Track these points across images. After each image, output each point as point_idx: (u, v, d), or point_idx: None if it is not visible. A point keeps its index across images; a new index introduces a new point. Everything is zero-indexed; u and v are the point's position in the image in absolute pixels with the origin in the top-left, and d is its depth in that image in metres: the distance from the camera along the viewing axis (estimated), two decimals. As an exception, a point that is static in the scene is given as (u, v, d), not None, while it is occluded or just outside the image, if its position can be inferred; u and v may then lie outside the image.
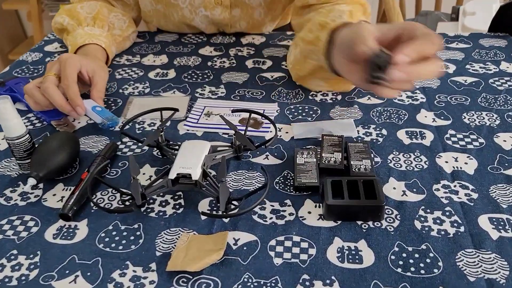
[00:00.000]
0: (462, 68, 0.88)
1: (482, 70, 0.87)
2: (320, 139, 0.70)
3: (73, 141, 0.67)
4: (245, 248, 0.54)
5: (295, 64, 0.81)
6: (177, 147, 0.68)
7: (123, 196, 0.61)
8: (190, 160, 0.61)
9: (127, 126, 0.76)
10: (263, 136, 0.72)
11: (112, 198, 0.62)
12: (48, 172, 0.63)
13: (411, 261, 0.51)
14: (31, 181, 0.62)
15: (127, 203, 0.59)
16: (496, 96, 0.79)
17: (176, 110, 0.72)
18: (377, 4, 1.82)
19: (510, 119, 0.73)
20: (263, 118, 0.73)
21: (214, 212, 0.59)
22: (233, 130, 0.66)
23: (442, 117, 0.74)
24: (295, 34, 0.89)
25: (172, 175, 0.60)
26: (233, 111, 0.72)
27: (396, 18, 1.29)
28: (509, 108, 0.76)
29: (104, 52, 0.91)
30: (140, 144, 0.71)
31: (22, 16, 2.65)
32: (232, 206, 0.58)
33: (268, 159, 0.68)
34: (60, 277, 0.52)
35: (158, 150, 0.69)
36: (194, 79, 0.89)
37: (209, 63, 0.94)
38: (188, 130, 0.74)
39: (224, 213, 0.56)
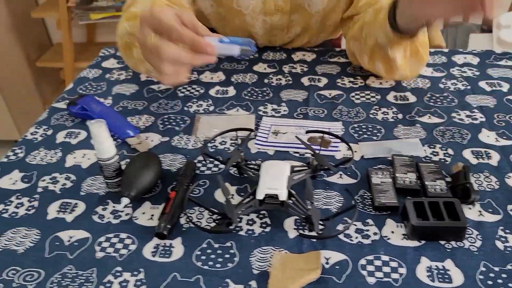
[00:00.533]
0: (514, 86, 0.91)
1: (534, 88, 0.90)
2: (389, 158, 0.73)
3: (156, 161, 0.71)
4: (337, 267, 0.57)
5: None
6: (254, 166, 0.71)
7: (214, 215, 0.65)
8: (275, 181, 0.64)
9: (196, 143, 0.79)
10: (333, 155, 0.75)
11: (200, 216, 0.66)
12: (138, 192, 0.66)
13: (499, 281, 0.54)
14: (125, 200, 0.65)
15: (217, 222, 0.63)
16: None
17: (251, 130, 0.75)
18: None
19: None
20: (331, 137, 0.76)
21: (301, 231, 0.62)
22: (310, 151, 0.70)
23: (504, 137, 0.77)
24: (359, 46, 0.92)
25: (260, 195, 0.63)
26: (307, 132, 0.76)
27: (435, 33, 1.31)
28: None
29: None
30: (220, 164, 0.74)
31: (48, 24, 2.69)
32: (320, 226, 0.61)
33: (342, 178, 0.71)
34: (166, 294, 0.55)
35: (236, 169, 0.73)
36: (254, 96, 0.92)
37: (266, 80, 0.97)
38: (259, 149, 0.77)
39: (319, 234, 0.59)
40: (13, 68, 2.31)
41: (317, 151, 0.69)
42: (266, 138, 0.79)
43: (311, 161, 0.70)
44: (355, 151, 0.76)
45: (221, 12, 1.04)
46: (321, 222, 0.62)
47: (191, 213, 0.66)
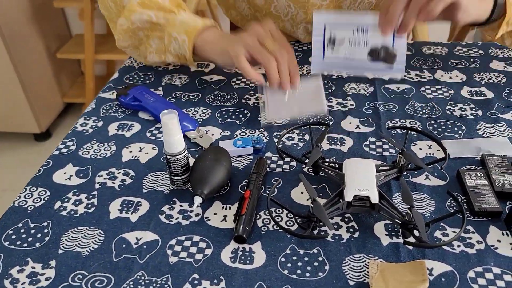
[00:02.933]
0: None
1: None
2: (478, 158, 0.67)
3: (226, 156, 0.65)
4: (443, 279, 0.51)
5: None
6: (333, 165, 0.65)
7: (295, 217, 0.59)
8: (363, 181, 0.58)
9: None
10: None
11: (278, 218, 0.60)
12: (211, 190, 0.61)
13: None
14: (198, 199, 0.59)
15: (301, 226, 0.57)
16: None
17: (327, 125, 0.69)
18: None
19: None
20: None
21: (394, 238, 0.56)
22: (398, 148, 0.63)
23: None
24: None
25: (349, 197, 0.57)
26: (389, 128, 0.69)
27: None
28: None
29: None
30: (296, 162, 0.68)
31: (68, 15, 2.64)
32: (416, 233, 0.55)
33: (429, 179, 0.65)
34: (254, 306, 0.49)
35: (311, 167, 0.67)
36: (315, 89, 0.86)
37: (325, 73, 0.91)
38: (315, 72, 0.73)
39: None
40: (33, 60, 2.26)
41: (405, 150, 0.63)
42: (323, 53, 0.72)
43: (398, 159, 0.63)
44: (438, 150, 0.70)
45: (258, 17, 0.98)
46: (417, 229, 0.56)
47: (266, 215, 0.60)
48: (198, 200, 0.59)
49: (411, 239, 0.55)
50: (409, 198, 0.55)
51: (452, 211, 0.60)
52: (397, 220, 0.56)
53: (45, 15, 2.38)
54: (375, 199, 0.56)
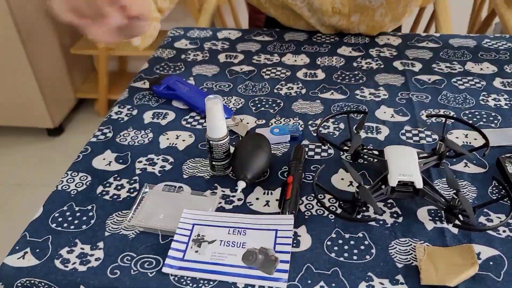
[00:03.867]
0: None
1: None
2: (516, 147, 0.67)
3: (266, 142, 0.65)
4: (491, 263, 0.52)
5: None
6: (373, 151, 0.65)
7: (340, 202, 0.59)
8: (407, 167, 0.59)
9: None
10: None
11: (319, 203, 0.60)
12: (254, 175, 0.61)
13: None
14: (242, 184, 0.60)
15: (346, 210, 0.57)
16: None
17: (365, 113, 0.69)
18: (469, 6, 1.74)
19: None
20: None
21: (438, 223, 0.57)
22: (439, 136, 0.64)
23: None
24: None
25: (393, 182, 0.57)
26: (428, 115, 0.70)
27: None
28: None
29: None
30: (335, 149, 0.68)
31: (82, 10, 2.65)
32: (461, 217, 0.55)
33: (468, 167, 0.65)
34: (304, 286, 0.50)
35: (347, 155, 0.67)
36: (346, 80, 0.86)
37: (355, 64, 0.91)
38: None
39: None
40: (48, 55, 2.27)
41: (446, 137, 0.63)
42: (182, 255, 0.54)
43: (438, 147, 0.64)
44: (475, 139, 0.70)
45: (274, 3, 0.99)
46: (464, 214, 0.56)
47: (309, 200, 0.61)
48: (242, 184, 0.60)
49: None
50: (455, 182, 0.55)
51: (494, 197, 0.60)
52: (441, 205, 0.56)
53: (59, 11, 2.39)
54: (419, 184, 0.57)
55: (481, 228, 0.54)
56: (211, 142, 0.62)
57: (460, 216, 0.55)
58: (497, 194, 0.60)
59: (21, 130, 2.35)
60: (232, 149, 0.66)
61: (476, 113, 0.76)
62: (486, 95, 0.80)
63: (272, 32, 1.06)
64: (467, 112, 0.76)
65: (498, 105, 0.77)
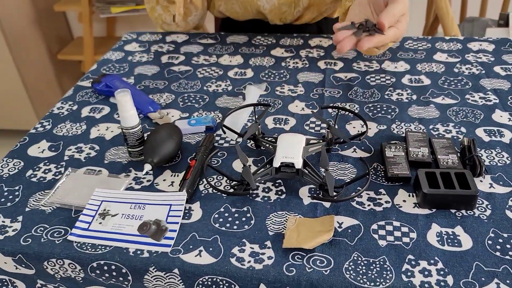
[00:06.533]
0: (528, 72, 0.92)
1: (548, 74, 0.91)
2: (403, 135, 0.75)
3: (177, 131, 0.74)
4: (349, 230, 0.60)
5: None
6: (271, 139, 0.74)
7: (232, 182, 0.67)
8: (291, 151, 0.67)
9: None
10: (348, 130, 0.78)
11: (218, 184, 0.68)
12: (160, 159, 0.69)
13: (508, 246, 0.56)
14: (147, 166, 0.68)
15: (234, 188, 0.65)
16: None
17: (268, 105, 0.77)
18: (424, 11, 1.85)
19: None
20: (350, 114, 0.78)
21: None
22: (326, 124, 0.72)
23: (517, 117, 0.78)
24: None
25: (277, 164, 0.65)
26: (322, 107, 0.78)
27: (451, 24, 1.33)
28: None
29: None
30: (239, 136, 0.77)
31: (69, 17, 2.76)
32: (334, 193, 0.63)
33: (356, 152, 0.73)
34: (186, 251, 0.58)
35: (253, 142, 0.75)
36: (271, 78, 0.95)
37: (283, 63, 1.00)
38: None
39: (333, 198, 0.62)
40: (35, 61, 2.37)
41: (331, 125, 0.71)
42: (88, 226, 0.62)
43: (326, 134, 0.72)
44: (369, 128, 0.78)
45: None
46: (335, 190, 0.64)
47: (210, 180, 0.69)
48: (147, 167, 0.68)
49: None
50: (325, 162, 0.64)
51: (375, 177, 0.68)
52: (316, 183, 0.64)
53: (47, 19, 2.49)
54: (298, 165, 0.65)
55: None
56: (124, 130, 0.70)
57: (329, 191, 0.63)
58: (373, 175, 0.68)
59: (10, 133, 2.45)
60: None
61: (378, 105, 0.84)
62: (392, 90, 0.88)
63: (216, 35, 1.15)
64: (370, 105, 0.84)
65: (400, 99, 0.85)
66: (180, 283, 0.57)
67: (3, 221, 0.64)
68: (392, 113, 0.81)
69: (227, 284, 0.56)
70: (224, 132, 0.75)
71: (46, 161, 0.75)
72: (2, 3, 2.10)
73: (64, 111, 0.88)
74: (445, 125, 0.77)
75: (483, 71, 0.92)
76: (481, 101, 0.83)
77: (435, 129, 0.76)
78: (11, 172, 0.73)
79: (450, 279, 0.53)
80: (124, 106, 0.68)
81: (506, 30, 1.47)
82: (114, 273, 0.58)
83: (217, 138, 0.78)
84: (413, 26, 2.13)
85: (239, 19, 1.17)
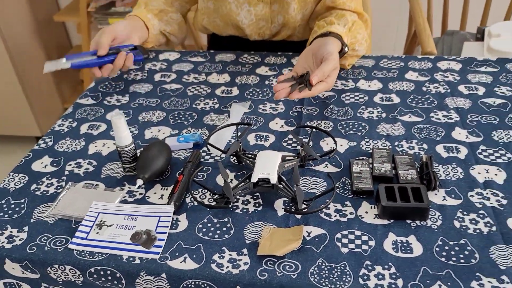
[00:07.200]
0: (490, 91, 1.00)
1: (509, 93, 0.99)
2: (370, 151, 0.83)
3: (167, 149, 0.82)
4: (316, 239, 0.68)
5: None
6: (251, 155, 0.82)
7: (215, 195, 0.76)
8: (268, 167, 0.75)
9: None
10: (321, 147, 0.86)
11: (203, 197, 0.77)
12: (151, 174, 0.78)
13: (452, 252, 0.64)
14: (139, 181, 0.76)
15: (216, 201, 0.73)
16: (522, 116, 0.91)
17: (249, 125, 0.86)
18: (406, 26, 1.93)
19: (533, 137, 0.86)
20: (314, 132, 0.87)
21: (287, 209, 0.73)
22: (300, 143, 0.80)
23: (474, 134, 0.86)
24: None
25: (254, 179, 0.74)
26: (298, 126, 0.86)
27: (427, 40, 1.41)
28: (532, 127, 0.88)
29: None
30: (222, 153, 0.85)
31: (69, 28, 2.84)
32: (304, 205, 0.72)
33: (327, 167, 0.81)
34: (172, 258, 0.66)
35: (235, 158, 0.84)
36: (255, 96, 1.03)
37: (266, 82, 1.08)
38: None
39: (301, 211, 0.70)
40: (35, 69, 2.45)
41: (305, 144, 0.80)
42: (86, 235, 0.70)
43: (300, 151, 0.80)
44: (341, 145, 0.86)
45: (210, 6, 1.17)
46: (305, 202, 0.72)
47: (195, 194, 0.77)
48: (139, 182, 0.76)
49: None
50: (296, 178, 0.72)
51: (342, 190, 0.76)
52: (289, 196, 0.73)
53: (47, 28, 2.57)
54: (273, 180, 0.73)
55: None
56: (119, 149, 0.79)
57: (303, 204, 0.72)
58: (341, 189, 0.76)
59: (11, 139, 2.53)
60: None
61: (350, 123, 0.92)
62: (364, 108, 0.96)
63: (206, 53, 1.23)
64: (343, 122, 0.92)
65: (370, 117, 0.94)
66: (167, 286, 0.65)
67: (11, 231, 0.72)
68: (363, 130, 0.90)
69: (208, 287, 0.64)
70: (208, 150, 0.83)
71: (49, 175, 0.83)
72: (3, 13, 2.18)
73: (64, 128, 0.96)
74: (409, 141, 0.86)
75: (449, 90, 1.01)
76: (444, 119, 0.92)
77: (399, 146, 0.85)
78: (17, 186, 0.81)
79: (400, 282, 0.61)
80: (119, 128, 0.76)
81: (481, 44, 1.55)
82: (109, 277, 0.66)
83: (204, 154, 0.86)
84: (399, 39, 2.21)
85: (221, 34, 1.25)
